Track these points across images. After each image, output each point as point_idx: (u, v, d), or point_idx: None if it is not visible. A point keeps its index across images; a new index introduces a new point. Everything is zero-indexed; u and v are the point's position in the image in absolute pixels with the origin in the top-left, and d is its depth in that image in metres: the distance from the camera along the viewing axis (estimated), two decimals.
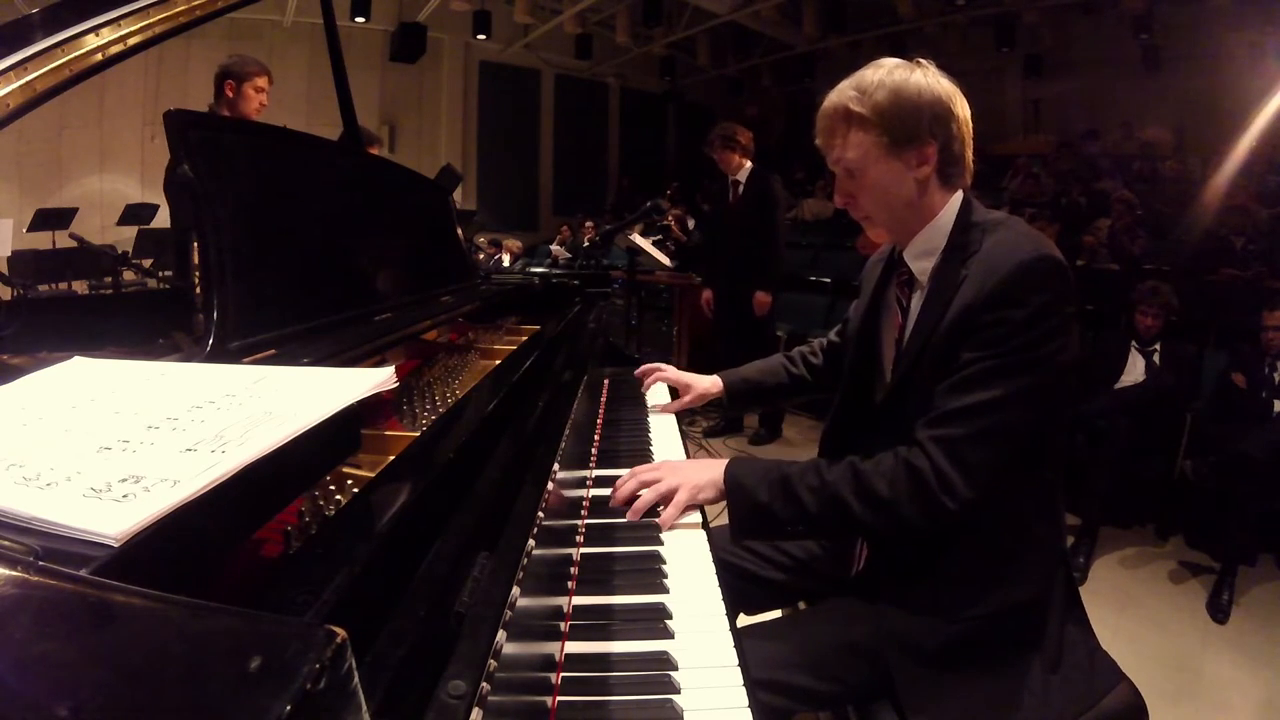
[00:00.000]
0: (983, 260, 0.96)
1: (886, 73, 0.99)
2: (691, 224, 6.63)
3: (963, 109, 1.01)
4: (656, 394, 1.63)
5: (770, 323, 3.96)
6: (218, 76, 2.70)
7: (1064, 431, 1.07)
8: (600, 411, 1.53)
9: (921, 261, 1.05)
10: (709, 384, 1.51)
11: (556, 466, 0.93)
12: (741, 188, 3.82)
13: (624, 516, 1.06)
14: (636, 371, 1.66)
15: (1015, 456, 0.94)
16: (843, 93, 1.01)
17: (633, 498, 1.07)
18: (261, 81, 2.72)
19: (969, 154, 1.03)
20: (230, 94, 2.69)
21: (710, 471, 1.07)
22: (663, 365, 1.63)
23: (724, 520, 1.30)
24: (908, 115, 0.97)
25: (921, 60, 1.02)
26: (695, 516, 1.07)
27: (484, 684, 0.51)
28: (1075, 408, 2.69)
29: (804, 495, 0.99)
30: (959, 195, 1.04)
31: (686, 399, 1.53)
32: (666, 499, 1.06)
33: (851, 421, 1.18)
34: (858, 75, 1.01)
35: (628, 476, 1.10)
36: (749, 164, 3.82)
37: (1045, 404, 0.95)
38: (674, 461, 1.15)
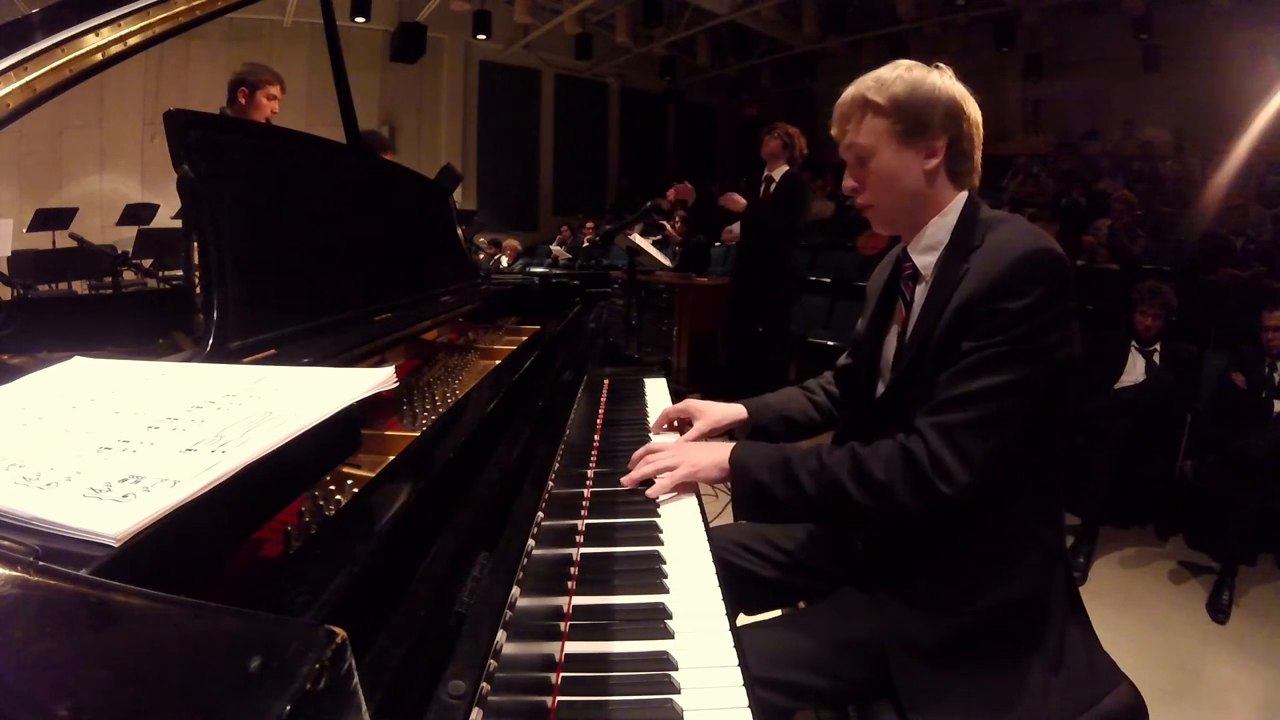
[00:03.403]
0: (983, 255, 0.99)
1: (905, 69, 1.05)
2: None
3: (974, 112, 1.06)
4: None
5: (781, 324, 3.89)
6: (232, 84, 2.73)
7: (1066, 432, 1.09)
8: (600, 411, 1.53)
9: (925, 256, 1.07)
10: (727, 411, 1.33)
11: (556, 466, 0.93)
12: (773, 186, 3.81)
13: (623, 516, 1.06)
14: (653, 428, 1.39)
15: (1013, 446, 0.96)
16: (862, 84, 1.06)
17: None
18: (275, 89, 2.75)
19: (978, 156, 1.08)
20: (243, 100, 2.71)
21: (715, 453, 1.11)
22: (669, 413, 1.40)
23: (724, 520, 1.30)
24: (921, 108, 1.02)
25: (940, 65, 1.07)
26: (696, 516, 1.07)
27: (484, 684, 0.51)
28: (1075, 408, 2.69)
29: (803, 477, 1.02)
30: (965, 195, 1.07)
31: (699, 426, 1.32)
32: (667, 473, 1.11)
33: (863, 417, 1.19)
34: (877, 71, 1.07)
35: (639, 453, 1.16)
36: (787, 167, 3.80)
37: (1044, 396, 0.96)
38: (686, 444, 1.20)
